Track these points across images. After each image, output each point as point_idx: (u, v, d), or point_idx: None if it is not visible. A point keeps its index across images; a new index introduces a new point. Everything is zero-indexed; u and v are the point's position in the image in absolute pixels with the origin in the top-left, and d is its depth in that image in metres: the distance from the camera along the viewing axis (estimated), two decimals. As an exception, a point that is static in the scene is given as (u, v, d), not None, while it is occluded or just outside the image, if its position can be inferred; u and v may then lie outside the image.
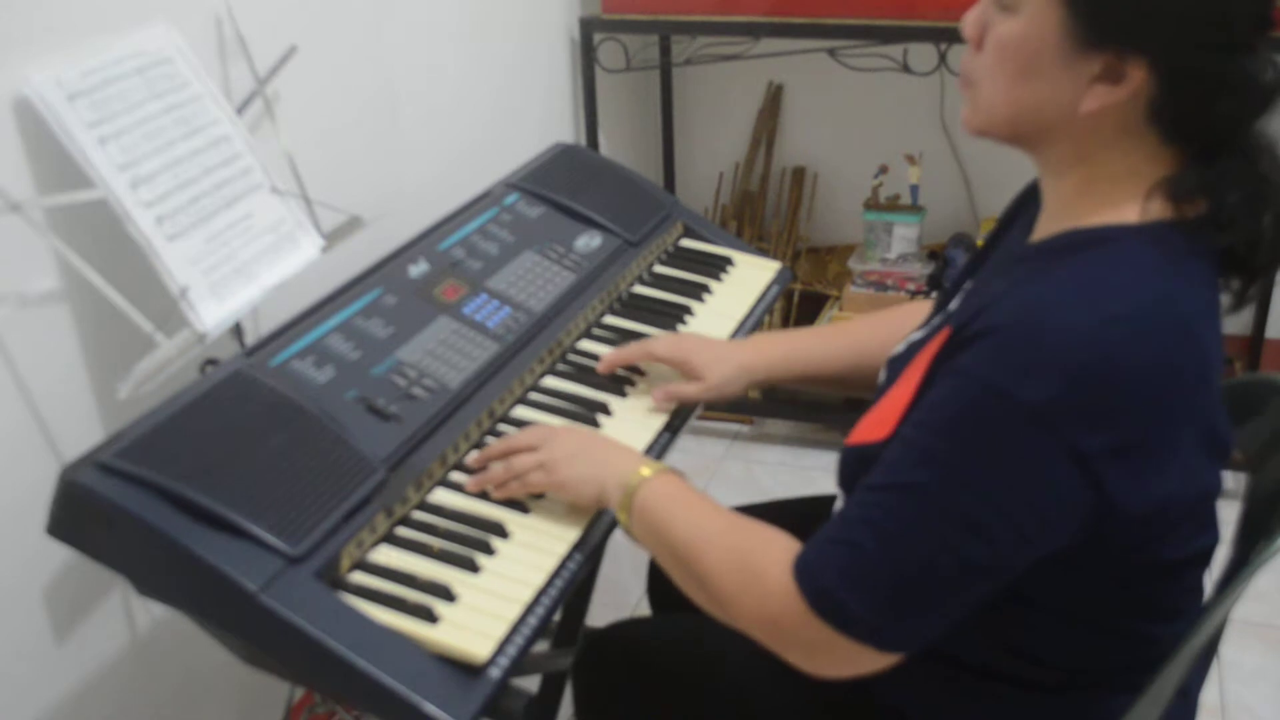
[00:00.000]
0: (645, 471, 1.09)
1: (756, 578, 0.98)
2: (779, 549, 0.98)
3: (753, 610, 0.98)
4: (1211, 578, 1.07)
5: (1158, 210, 0.92)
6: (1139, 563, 0.95)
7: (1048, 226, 1.00)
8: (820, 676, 0.97)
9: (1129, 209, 0.93)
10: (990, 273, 1.09)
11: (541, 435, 1.16)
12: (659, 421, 1.30)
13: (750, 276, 1.63)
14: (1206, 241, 0.92)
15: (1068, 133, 0.94)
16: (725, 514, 1.06)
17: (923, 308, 1.28)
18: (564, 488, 1.12)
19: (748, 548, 1.00)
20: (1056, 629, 0.99)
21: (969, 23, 0.97)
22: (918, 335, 1.12)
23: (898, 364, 1.10)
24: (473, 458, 1.18)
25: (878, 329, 1.34)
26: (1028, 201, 1.12)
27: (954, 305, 1.10)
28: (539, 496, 1.15)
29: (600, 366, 1.35)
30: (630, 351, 1.35)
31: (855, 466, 1.01)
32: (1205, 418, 0.93)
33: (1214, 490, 0.99)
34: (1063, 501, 0.88)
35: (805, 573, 0.94)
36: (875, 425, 1.01)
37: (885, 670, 0.95)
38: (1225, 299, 0.97)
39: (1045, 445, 0.86)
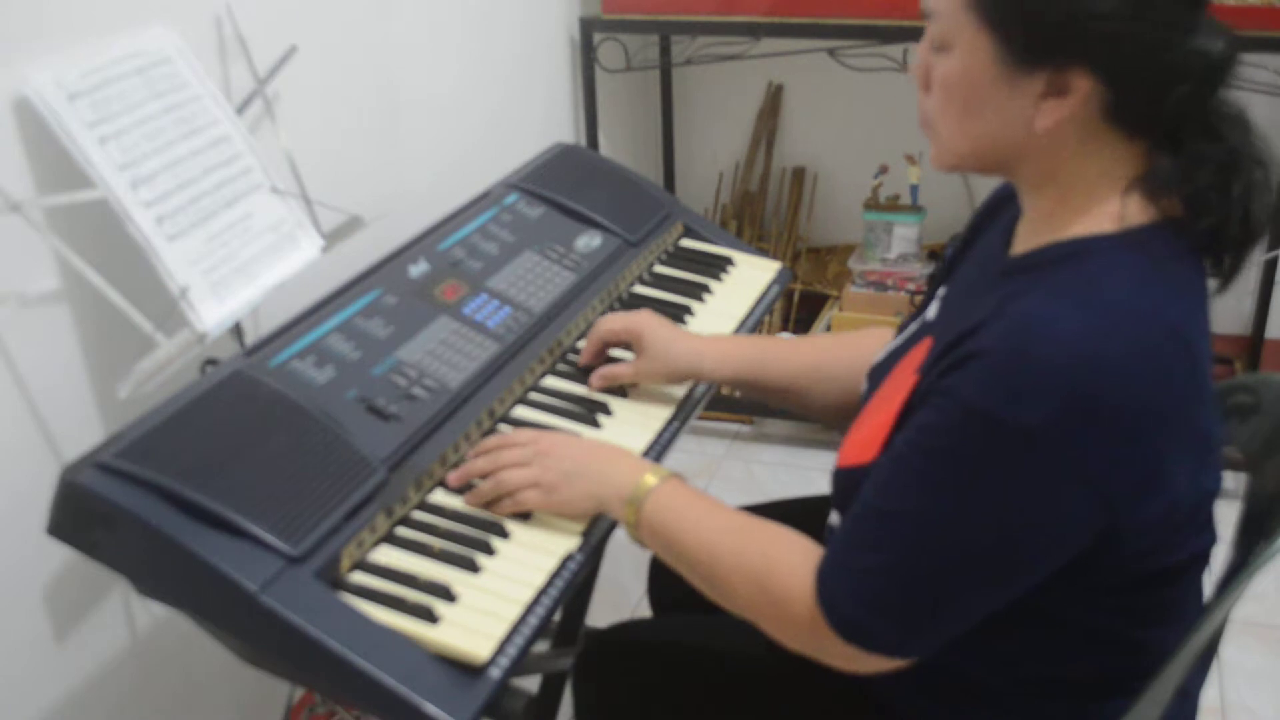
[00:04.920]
0: (650, 480, 1.08)
1: (779, 601, 0.98)
2: (797, 566, 0.98)
3: (780, 629, 1.00)
4: (1212, 578, 1.07)
5: (1136, 211, 0.92)
6: (1140, 571, 0.95)
7: (1028, 239, 0.99)
8: (859, 675, 0.98)
9: (1107, 216, 0.93)
10: (967, 280, 1.08)
11: (531, 450, 1.12)
12: (659, 421, 1.30)
13: (750, 276, 1.63)
14: (1188, 237, 0.92)
15: (1032, 152, 0.94)
16: (735, 526, 1.05)
17: (887, 331, 1.27)
18: (563, 509, 1.10)
19: (766, 569, 1.00)
20: (1053, 640, 1.00)
21: (914, 67, 0.99)
22: (896, 344, 1.12)
23: (878, 374, 1.10)
24: (453, 477, 1.14)
25: (840, 348, 1.32)
26: (999, 206, 1.11)
27: (931, 313, 1.10)
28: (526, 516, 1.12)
29: (581, 360, 1.35)
30: (591, 339, 1.33)
31: (849, 488, 1.01)
32: (1200, 420, 0.93)
33: (1214, 491, 0.99)
34: (1071, 519, 0.88)
35: (827, 601, 0.95)
36: (863, 446, 1.01)
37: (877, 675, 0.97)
38: (1214, 284, 0.97)
39: (1047, 467, 0.86)
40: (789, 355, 1.33)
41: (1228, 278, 0.96)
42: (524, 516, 1.12)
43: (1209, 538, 1.01)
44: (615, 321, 1.32)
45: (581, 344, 1.40)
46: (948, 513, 0.90)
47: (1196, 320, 0.92)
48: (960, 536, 0.90)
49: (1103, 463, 0.86)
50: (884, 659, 0.95)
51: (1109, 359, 0.85)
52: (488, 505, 1.12)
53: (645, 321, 1.31)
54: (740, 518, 1.06)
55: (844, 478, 1.03)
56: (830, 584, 0.95)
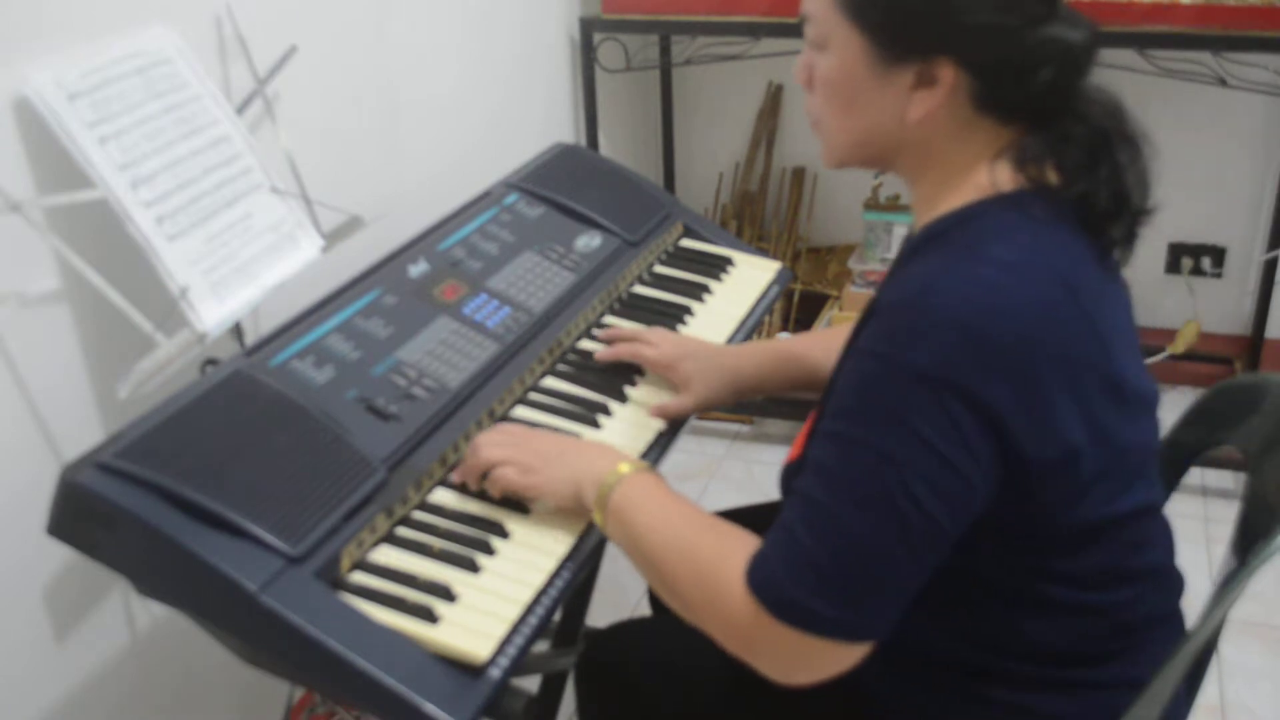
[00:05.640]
0: (624, 469, 1.08)
1: (717, 596, 0.97)
2: (736, 562, 0.97)
3: (721, 626, 0.98)
4: (1210, 573, 1.07)
5: (1006, 179, 0.96)
6: (1064, 527, 0.96)
7: (918, 225, 1.03)
8: (797, 685, 0.96)
9: (979, 186, 0.97)
10: None
11: (515, 439, 1.14)
12: (658, 422, 1.30)
13: (750, 276, 1.63)
14: (1063, 201, 0.95)
15: (909, 142, 1.00)
16: (693, 522, 1.04)
17: None
18: (540, 492, 1.11)
19: (707, 562, 0.99)
20: (1004, 610, 1.00)
21: (798, 69, 1.05)
22: None
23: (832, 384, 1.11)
24: (456, 475, 1.15)
25: None
26: None
27: None
28: (519, 508, 1.13)
29: (599, 354, 1.36)
30: (623, 350, 1.36)
31: (787, 481, 1.03)
32: (1103, 367, 0.95)
33: (1137, 444, 1.00)
34: (976, 455, 0.90)
35: (761, 585, 0.94)
36: (801, 442, 1.04)
37: (861, 665, 0.95)
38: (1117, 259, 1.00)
39: (943, 402, 0.88)
40: (815, 341, 1.37)
41: (1126, 247, 1.00)
42: (524, 511, 1.12)
43: (1148, 495, 1.02)
44: (659, 355, 1.34)
45: (582, 344, 1.40)
46: (862, 467, 0.90)
47: (1083, 273, 0.95)
48: (879, 490, 0.90)
49: (995, 396, 0.88)
50: (826, 643, 0.92)
51: (996, 301, 0.89)
52: (475, 493, 1.13)
53: (680, 354, 1.33)
54: (700, 517, 1.05)
55: (784, 472, 1.07)
56: (766, 568, 0.94)
